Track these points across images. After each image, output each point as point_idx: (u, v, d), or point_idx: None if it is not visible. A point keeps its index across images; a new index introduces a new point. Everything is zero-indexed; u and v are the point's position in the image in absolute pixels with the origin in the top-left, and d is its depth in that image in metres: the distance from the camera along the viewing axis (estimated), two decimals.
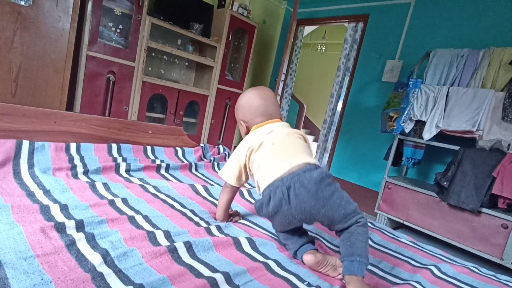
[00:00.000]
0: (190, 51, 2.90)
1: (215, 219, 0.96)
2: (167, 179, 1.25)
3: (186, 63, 3.05)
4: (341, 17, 3.47)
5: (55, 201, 0.84)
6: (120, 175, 1.17)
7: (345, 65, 3.49)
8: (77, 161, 1.15)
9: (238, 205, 1.10)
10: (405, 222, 2.45)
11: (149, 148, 1.46)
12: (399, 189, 2.49)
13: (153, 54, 2.72)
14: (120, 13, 2.45)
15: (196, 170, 1.44)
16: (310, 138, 6.17)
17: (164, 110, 2.84)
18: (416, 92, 2.33)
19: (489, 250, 2.05)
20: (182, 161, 1.51)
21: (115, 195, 0.93)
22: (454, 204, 2.14)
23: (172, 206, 0.96)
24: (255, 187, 1.04)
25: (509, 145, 2.05)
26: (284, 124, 0.96)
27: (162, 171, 1.32)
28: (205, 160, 1.62)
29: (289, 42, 3.23)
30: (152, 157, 1.43)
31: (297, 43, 4.00)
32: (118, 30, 2.48)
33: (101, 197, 0.90)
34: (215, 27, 3.06)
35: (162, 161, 1.38)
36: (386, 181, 2.57)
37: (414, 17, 2.87)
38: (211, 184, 1.29)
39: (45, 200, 0.83)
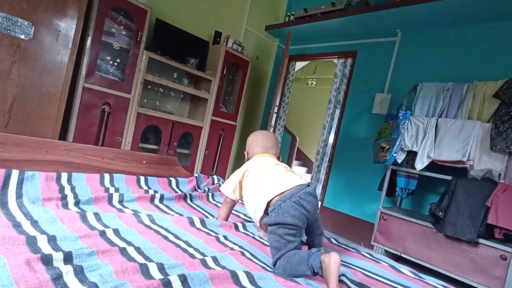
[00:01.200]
0: (185, 84, 2.96)
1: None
2: (161, 210, 1.21)
3: (181, 96, 3.10)
4: (330, 54, 3.63)
5: (42, 232, 0.80)
6: (113, 206, 1.13)
7: (335, 98, 3.60)
8: (67, 191, 1.11)
9: (234, 236, 1.06)
10: (402, 255, 2.39)
11: (142, 178, 1.43)
12: (395, 220, 2.46)
13: (149, 87, 2.77)
14: (118, 48, 2.52)
15: (191, 200, 1.41)
16: (302, 169, 6.18)
17: (158, 141, 2.83)
18: (406, 124, 2.39)
19: (490, 283, 2.00)
20: (176, 192, 1.47)
21: (106, 226, 0.89)
22: (451, 235, 2.11)
23: (166, 238, 0.92)
24: (249, 221, 1.26)
25: (499, 174, 2.07)
26: (276, 161, 1.22)
27: (156, 202, 1.28)
28: (199, 190, 1.59)
29: (281, 77, 3.34)
30: (145, 187, 1.40)
31: (289, 77, 4.13)
32: (115, 64, 2.53)
33: (92, 227, 0.86)
34: (210, 62, 3.16)
35: (155, 192, 1.35)
36: (381, 212, 2.54)
37: (400, 53, 3.02)
38: (206, 216, 1.25)
39: (32, 231, 0.79)
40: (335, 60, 3.71)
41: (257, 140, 1.28)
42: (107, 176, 1.31)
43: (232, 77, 3.42)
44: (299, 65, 4.68)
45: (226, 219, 1.21)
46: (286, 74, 4.03)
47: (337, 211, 3.23)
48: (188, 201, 1.37)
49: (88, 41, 2.28)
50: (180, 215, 1.16)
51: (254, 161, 1.21)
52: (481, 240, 2.04)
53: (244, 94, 3.41)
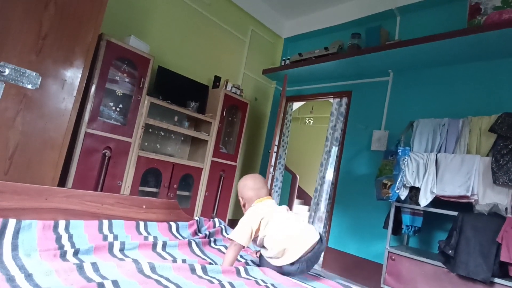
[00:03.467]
0: (186, 126, 3.01)
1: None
2: (163, 257, 1.16)
3: (182, 138, 3.14)
4: (326, 94, 3.75)
5: (36, 286, 0.75)
6: (114, 255, 1.09)
7: (332, 135, 3.64)
8: (65, 240, 1.07)
9: (237, 282, 1.01)
10: None
11: (141, 223, 1.39)
12: (404, 260, 2.36)
13: (150, 130, 2.81)
14: (121, 94, 2.60)
15: (195, 246, 1.35)
16: (304, 208, 6.06)
17: (158, 184, 2.81)
18: (406, 160, 2.40)
19: None
20: (176, 237, 1.42)
21: (104, 277, 0.84)
22: (464, 274, 2.01)
23: None
24: (249, 264, 1.30)
25: (506, 208, 2.03)
26: (274, 201, 1.38)
27: (159, 249, 1.22)
28: (200, 234, 1.54)
29: (279, 117, 3.41)
30: (145, 233, 1.35)
31: (287, 117, 4.22)
32: (118, 109, 2.60)
33: (89, 279, 0.82)
34: (210, 105, 3.25)
35: (156, 238, 1.30)
36: (389, 252, 2.44)
37: (394, 91, 3.12)
38: (210, 263, 1.20)
39: (25, 285, 0.75)
40: (331, 100, 3.83)
41: (248, 185, 1.39)
42: (105, 222, 1.28)
43: (231, 118, 3.49)
44: (296, 105, 4.80)
45: (233, 264, 1.19)
46: (284, 114, 4.12)
47: (343, 252, 3.11)
48: (193, 247, 1.32)
49: (93, 89, 2.36)
50: (184, 261, 1.10)
51: (262, 208, 1.29)
52: (496, 279, 1.94)
53: (243, 135, 3.46)
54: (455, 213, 2.19)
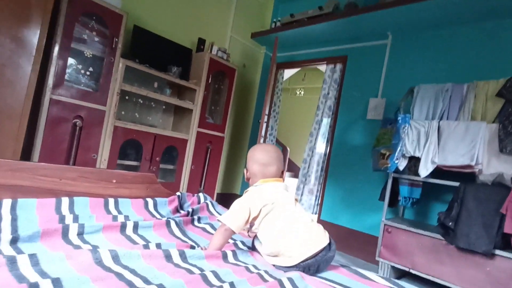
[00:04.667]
0: (167, 94, 2.73)
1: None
2: (134, 242, 0.96)
3: (164, 107, 2.87)
4: (319, 59, 3.48)
5: None
6: (69, 242, 0.88)
7: (324, 104, 3.43)
8: (5, 224, 0.85)
9: (223, 270, 0.82)
10: (411, 270, 2.17)
11: (111, 201, 1.18)
12: (400, 232, 2.25)
13: (126, 97, 2.52)
14: (91, 55, 2.28)
15: (175, 226, 1.15)
16: (295, 181, 5.96)
17: (138, 157, 2.57)
18: (406, 128, 2.22)
19: None
20: (154, 215, 1.22)
21: (44, 274, 0.64)
22: (464, 247, 1.91)
23: (131, 284, 0.67)
24: (239, 248, 1.10)
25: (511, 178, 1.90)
26: (284, 186, 1.10)
27: (129, 232, 1.02)
28: (182, 212, 1.34)
29: (270, 85, 3.16)
30: (115, 212, 1.14)
31: (278, 85, 3.96)
32: (88, 73, 2.29)
33: (20, 279, 0.61)
34: (194, 70, 2.96)
35: (127, 218, 1.10)
36: (385, 225, 2.33)
37: (392, 56, 2.89)
38: (192, 246, 1.00)
39: None
40: (323, 68, 3.57)
41: (255, 156, 1.13)
42: (65, 200, 1.06)
43: (218, 86, 3.22)
44: (288, 73, 4.53)
45: (221, 249, 0.99)
46: (274, 82, 3.85)
47: (336, 225, 3.01)
48: (171, 227, 1.12)
49: (56, 49, 2.04)
50: (158, 246, 0.91)
51: (267, 191, 1.05)
52: (497, 251, 1.84)
53: (231, 104, 3.21)
54: (456, 184, 2.05)
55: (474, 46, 2.46)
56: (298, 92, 7.16)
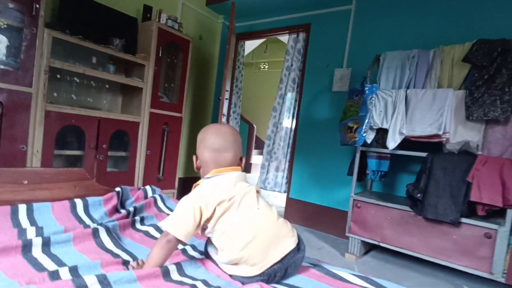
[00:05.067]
0: (111, 71, 2.37)
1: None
2: (40, 267, 0.72)
3: (107, 86, 2.50)
4: (281, 29, 3.24)
5: None
6: None
7: (288, 77, 3.23)
8: None
9: None
10: (380, 244, 2.14)
11: (22, 208, 0.91)
12: (369, 206, 2.19)
13: (58, 76, 2.13)
14: (6, 26, 1.86)
15: (107, 234, 0.91)
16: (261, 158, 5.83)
17: (81, 145, 2.24)
18: (373, 98, 2.10)
19: (476, 265, 1.80)
20: (83, 221, 0.98)
21: None
22: (432, 217, 1.88)
23: None
24: (188, 256, 0.87)
25: (477, 145, 1.87)
26: (243, 176, 0.90)
27: (36, 252, 0.76)
28: (122, 211, 1.11)
29: (229, 57, 2.88)
30: (25, 224, 0.88)
31: (239, 59, 3.68)
32: (4, 48, 1.88)
33: None
34: (142, 43, 2.59)
35: (40, 230, 0.85)
36: (354, 200, 2.25)
37: (357, 22, 2.72)
38: (123, 262, 0.78)
39: None
40: (286, 37, 3.33)
41: (206, 140, 0.90)
42: None
43: (171, 60, 2.88)
44: (249, 46, 4.25)
45: (162, 265, 0.77)
46: (235, 55, 3.56)
47: (305, 202, 2.92)
48: (101, 237, 0.88)
49: None
50: (73, 270, 0.68)
51: (221, 185, 0.84)
52: (463, 220, 1.83)
53: (188, 81, 2.90)
54: (424, 154, 1.99)
55: (440, 10, 2.35)
56: (262, 67, 6.90)
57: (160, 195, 1.27)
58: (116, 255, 0.80)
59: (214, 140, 0.88)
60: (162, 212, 1.18)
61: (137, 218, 1.05)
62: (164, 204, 1.24)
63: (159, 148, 2.71)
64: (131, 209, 1.10)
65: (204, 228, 0.82)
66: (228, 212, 0.80)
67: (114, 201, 1.13)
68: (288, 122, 3.28)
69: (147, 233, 0.99)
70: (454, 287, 1.96)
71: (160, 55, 2.58)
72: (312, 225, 2.84)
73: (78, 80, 2.24)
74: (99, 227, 0.90)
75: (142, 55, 2.52)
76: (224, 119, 2.96)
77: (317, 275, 0.79)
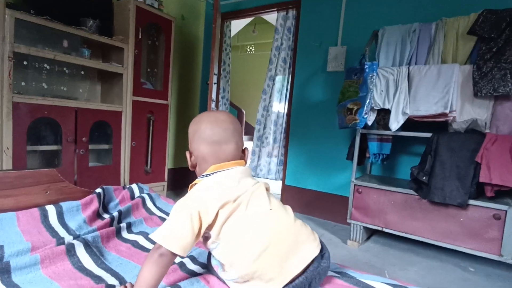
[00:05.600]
0: (86, 55, 2.12)
1: None
2: None
3: (82, 72, 2.25)
4: (269, 6, 3.01)
5: None
6: None
7: (277, 57, 3.04)
8: None
9: None
10: (384, 229, 2.05)
11: None
12: (371, 191, 2.08)
13: (25, 63, 1.88)
14: None
15: (89, 249, 0.74)
16: (250, 143, 5.69)
17: (58, 139, 2.02)
18: (374, 77, 1.95)
19: (484, 247, 1.73)
20: (56, 234, 0.80)
21: None
22: (439, 201, 1.79)
23: None
24: (188, 272, 0.71)
25: (485, 123, 1.77)
26: (248, 171, 0.74)
27: None
28: (105, 217, 0.94)
29: (216, 37, 2.66)
30: None
31: (225, 40, 3.45)
32: None
33: None
34: (118, 24, 2.34)
35: (0, 250, 0.67)
36: (355, 185, 2.14)
37: None
38: (107, 287, 0.62)
39: None
40: (274, 17, 3.12)
41: (202, 132, 0.73)
42: None
43: (152, 43, 2.64)
44: (235, 26, 3.99)
45: (156, 286, 0.62)
46: (221, 37, 3.33)
47: (302, 188, 2.80)
48: (77, 255, 0.72)
49: None
50: None
51: (222, 184, 0.68)
52: (470, 201, 1.74)
53: (172, 65, 2.67)
54: (428, 135, 1.88)
55: None
56: (248, 49, 6.64)
57: (149, 194, 1.10)
58: (97, 278, 0.64)
59: (211, 131, 0.72)
60: (152, 214, 1.02)
61: (123, 224, 0.88)
62: (154, 204, 1.07)
63: (145, 138, 2.51)
64: (116, 213, 0.93)
65: (206, 237, 0.67)
66: (235, 215, 0.64)
67: (95, 205, 0.95)
68: (279, 106, 3.12)
69: (135, 244, 0.82)
70: (460, 269, 1.91)
71: (140, 37, 2.34)
72: (310, 212, 2.73)
73: (48, 67, 1.99)
74: (75, 241, 0.73)
75: (120, 38, 2.27)
76: (213, 105, 2.77)
77: (346, 286, 0.66)
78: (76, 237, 0.76)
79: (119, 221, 0.93)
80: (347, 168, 2.51)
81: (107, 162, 2.32)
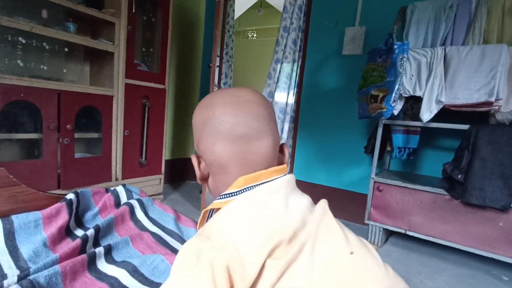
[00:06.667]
0: (71, 30, 1.81)
1: None
2: None
3: (66, 49, 1.93)
4: None
5: None
6: None
7: (286, 39, 2.72)
8: None
9: None
10: (408, 232, 1.81)
11: None
12: (394, 189, 1.83)
13: None
14: None
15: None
16: None
17: (38, 126, 1.72)
18: (404, 59, 1.66)
19: None
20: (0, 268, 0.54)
21: None
22: (478, 203, 1.53)
23: None
24: None
25: None
26: (292, 181, 0.47)
27: None
28: (78, 234, 0.67)
29: (219, 16, 2.34)
30: None
31: (228, 21, 3.11)
32: None
33: None
34: None
35: None
36: (375, 182, 1.89)
37: None
38: None
39: None
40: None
41: (215, 119, 0.44)
42: None
43: (148, 19, 2.31)
44: (239, 7, 3.66)
45: None
46: (224, 16, 3.00)
47: (311, 183, 2.55)
48: None
49: None
50: None
51: (268, 217, 0.38)
52: None
53: (170, 45, 2.36)
54: (465, 127, 1.61)
55: None
56: (250, 35, 6.28)
57: (139, 200, 0.83)
58: None
59: (233, 119, 0.43)
60: (144, 230, 0.74)
61: (100, 250, 0.61)
62: (146, 214, 0.80)
63: (139, 126, 2.22)
64: (90, 231, 0.65)
65: None
66: (295, 269, 0.36)
67: (63, 217, 0.68)
68: (287, 92, 2.82)
69: (115, 284, 0.55)
70: (493, 278, 1.67)
71: (134, 11, 2.02)
72: None
73: (24, 41, 1.67)
74: (23, 283, 0.46)
75: (111, 11, 1.95)
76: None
77: None
78: (24, 276, 0.48)
79: (96, 242, 0.66)
80: (362, 162, 2.25)
81: (97, 152, 2.03)
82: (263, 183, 0.41)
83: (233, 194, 0.41)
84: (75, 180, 1.85)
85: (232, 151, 0.43)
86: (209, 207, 0.43)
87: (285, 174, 0.45)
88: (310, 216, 0.40)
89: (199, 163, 0.47)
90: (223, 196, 0.41)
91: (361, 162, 2.27)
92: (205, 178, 0.48)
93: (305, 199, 0.44)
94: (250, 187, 0.41)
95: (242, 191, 0.41)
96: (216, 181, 0.45)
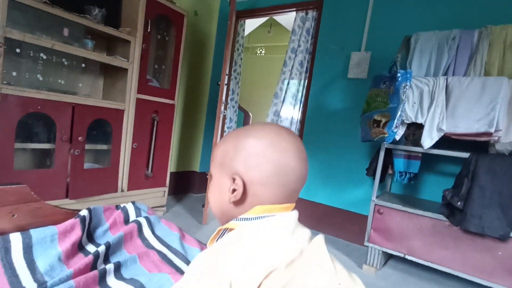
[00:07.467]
0: (89, 47, 1.90)
1: None
2: None
3: (83, 65, 2.03)
4: (288, 6, 2.79)
5: None
6: None
7: (293, 60, 2.81)
8: None
9: None
10: (406, 256, 1.81)
11: None
12: (394, 213, 1.85)
13: (18, 51, 1.65)
14: None
15: None
16: None
17: (51, 137, 1.79)
18: (407, 87, 1.72)
19: None
20: (17, 281, 0.58)
21: None
22: (477, 231, 1.55)
23: None
24: None
25: None
26: (296, 217, 0.48)
27: None
28: (89, 250, 0.71)
29: (230, 35, 2.43)
30: None
31: (238, 40, 3.22)
32: None
33: None
34: (127, 14, 2.12)
35: None
36: (375, 204, 1.91)
37: None
38: None
39: None
40: (287, 18, 2.89)
41: (288, 169, 0.48)
42: None
43: (161, 37, 2.41)
44: (249, 26, 3.77)
45: None
46: (234, 36, 3.11)
47: (313, 202, 2.57)
48: None
49: None
50: None
51: (274, 243, 0.43)
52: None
53: (181, 62, 2.45)
54: (465, 155, 1.64)
55: None
56: (258, 52, 6.42)
57: (147, 218, 0.87)
58: None
59: (298, 176, 0.49)
60: (150, 247, 0.78)
61: (110, 266, 0.65)
62: (153, 232, 0.84)
63: (147, 140, 2.28)
64: (102, 247, 0.70)
65: None
66: None
67: (77, 233, 0.72)
68: (293, 111, 2.88)
69: None
70: None
71: (148, 30, 2.12)
72: (320, 228, 2.49)
73: (45, 57, 1.76)
74: None
75: (127, 30, 2.05)
76: (222, 108, 2.54)
77: None
78: None
79: (106, 258, 0.70)
80: (364, 183, 2.28)
81: (105, 164, 2.09)
82: (274, 216, 0.45)
83: (248, 219, 0.46)
84: (83, 190, 1.90)
85: (272, 185, 0.47)
86: (224, 226, 0.48)
87: (292, 210, 0.49)
88: (307, 247, 0.44)
89: (233, 180, 0.48)
90: (242, 219, 0.46)
91: (363, 183, 2.29)
92: (238, 202, 0.48)
93: (307, 231, 0.48)
94: (264, 216, 0.45)
95: (256, 218, 0.45)
96: (238, 206, 0.49)
